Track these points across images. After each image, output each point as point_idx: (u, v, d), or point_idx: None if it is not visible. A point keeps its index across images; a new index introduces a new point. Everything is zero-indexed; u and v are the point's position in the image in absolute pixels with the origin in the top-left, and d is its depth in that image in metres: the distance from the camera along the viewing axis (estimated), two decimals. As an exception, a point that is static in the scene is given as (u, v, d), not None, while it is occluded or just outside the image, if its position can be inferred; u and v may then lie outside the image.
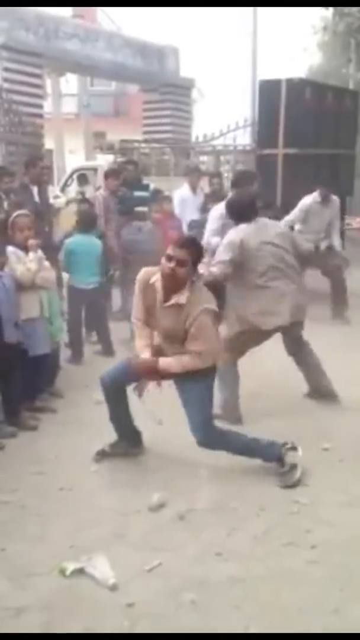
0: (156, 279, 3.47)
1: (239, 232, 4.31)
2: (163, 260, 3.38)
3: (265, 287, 4.26)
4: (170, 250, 3.37)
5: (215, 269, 4.17)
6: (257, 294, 4.24)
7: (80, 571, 2.76)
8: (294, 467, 3.56)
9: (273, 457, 3.59)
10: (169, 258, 3.35)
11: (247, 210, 4.41)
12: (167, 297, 3.44)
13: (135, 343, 3.69)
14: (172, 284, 3.39)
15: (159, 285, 3.45)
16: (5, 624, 2.48)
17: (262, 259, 4.24)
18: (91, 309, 5.95)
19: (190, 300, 3.39)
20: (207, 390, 3.56)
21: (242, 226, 4.33)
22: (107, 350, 5.93)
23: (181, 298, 3.39)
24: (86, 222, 5.96)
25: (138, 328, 3.67)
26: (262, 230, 4.33)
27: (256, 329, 4.30)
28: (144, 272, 3.58)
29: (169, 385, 3.63)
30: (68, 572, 2.75)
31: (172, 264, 3.33)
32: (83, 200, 7.33)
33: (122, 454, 3.82)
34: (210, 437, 3.55)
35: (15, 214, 4.52)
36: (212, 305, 3.45)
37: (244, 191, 4.97)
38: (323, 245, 7.39)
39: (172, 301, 3.41)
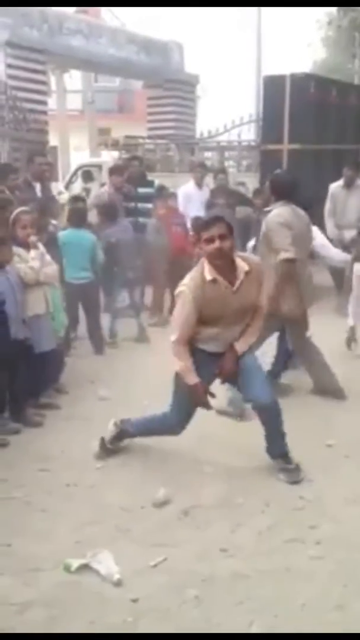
0: (212, 274, 3.37)
1: (283, 214, 4.35)
2: (204, 247, 3.34)
3: (303, 273, 4.39)
4: (208, 232, 3.31)
5: (289, 254, 4.23)
6: (289, 280, 4.30)
7: (85, 567, 2.76)
8: (298, 465, 3.56)
9: (282, 452, 3.59)
10: (209, 240, 3.30)
11: (289, 189, 4.48)
12: (233, 279, 3.40)
13: (178, 363, 3.50)
14: (225, 262, 3.35)
15: (219, 278, 3.37)
16: (10, 620, 2.49)
17: (297, 245, 4.30)
18: (83, 304, 5.94)
19: (249, 265, 3.43)
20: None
21: (284, 209, 4.37)
22: (98, 348, 5.93)
23: (243, 266, 3.41)
24: (76, 218, 5.95)
25: (180, 350, 3.46)
26: (297, 215, 4.42)
27: (280, 316, 4.32)
28: (187, 284, 3.42)
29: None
30: (73, 568, 2.76)
31: (216, 244, 3.29)
32: (77, 198, 7.33)
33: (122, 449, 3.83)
34: (274, 399, 3.57)
35: (17, 210, 4.51)
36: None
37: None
38: (348, 236, 7.12)
39: (241, 277, 3.39)
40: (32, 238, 4.45)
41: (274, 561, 2.83)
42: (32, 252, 4.40)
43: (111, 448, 3.83)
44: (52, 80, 15.44)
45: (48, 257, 4.58)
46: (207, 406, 3.56)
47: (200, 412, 3.68)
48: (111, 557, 2.79)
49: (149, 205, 7.34)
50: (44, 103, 11.67)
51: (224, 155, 11.05)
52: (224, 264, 3.36)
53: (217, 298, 3.38)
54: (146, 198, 7.46)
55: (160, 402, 4.18)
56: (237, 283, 3.39)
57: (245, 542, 2.98)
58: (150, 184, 8.09)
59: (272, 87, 8.83)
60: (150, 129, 14.63)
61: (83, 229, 5.98)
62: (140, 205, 7.43)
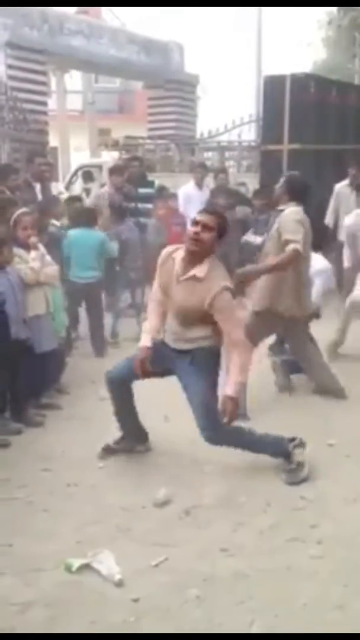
0: (178, 252, 3.44)
1: (299, 212, 4.37)
2: (189, 226, 3.37)
3: (304, 275, 4.43)
4: (198, 216, 3.37)
5: (297, 246, 4.17)
6: (298, 281, 4.34)
7: (86, 566, 2.77)
8: (301, 464, 3.54)
9: (280, 453, 3.59)
10: (196, 223, 3.33)
11: (304, 191, 4.52)
12: (185, 270, 3.39)
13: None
14: (196, 250, 3.32)
15: (178, 258, 3.41)
16: (11, 619, 2.50)
17: (307, 246, 4.35)
18: (87, 304, 5.94)
19: (208, 276, 3.34)
20: (212, 385, 3.52)
21: (299, 209, 4.39)
22: (98, 350, 5.90)
23: (200, 271, 3.35)
24: (85, 218, 5.94)
25: (150, 307, 3.64)
26: (306, 218, 4.45)
27: (277, 314, 4.33)
28: (169, 247, 3.56)
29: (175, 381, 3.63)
30: (74, 568, 2.76)
31: (197, 228, 3.30)
32: (74, 198, 7.34)
33: (127, 451, 3.83)
34: (218, 433, 3.49)
35: (18, 212, 4.51)
36: (230, 283, 3.42)
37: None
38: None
39: (190, 273, 3.36)
40: (33, 239, 4.45)
41: (275, 560, 2.84)
42: (33, 253, 4.41)
43: (116, 447, 3.82)
44: (53, 80, 15.45)
45: (48, 258, 4.59)
46: (139, 374, 3.50)
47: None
48: (112, 557, 2.79)
49: (149, 206, 7.35)
50: (44, 103, 11.68)
51: (224, 155, 11.05)
52: (194, 253, 3.35)
53: (169, 279, 3.45)
54: (146, 198, 7.47)
55: (161, 401, 4.20)
56: (184, 277, 3.38)
57: (246, 542, 2.98)
58: (150, 184, 8.10)
59: (272, 87, 8.84)
60: (151, 129, 14.64)
61: (92, 228, 5.96)
62: (140, 205, 7.43)
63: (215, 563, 2.82)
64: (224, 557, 2.87)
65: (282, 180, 4.61)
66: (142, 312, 6.65)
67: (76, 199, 7.09)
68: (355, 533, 3.05)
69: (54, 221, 5.68)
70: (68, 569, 2.76)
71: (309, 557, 2.86)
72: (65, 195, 8.14)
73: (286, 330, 4.67)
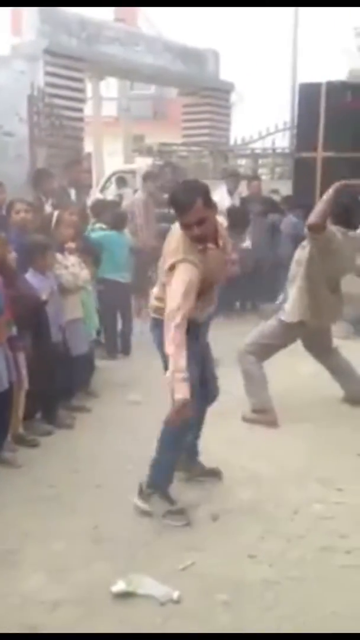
0: None
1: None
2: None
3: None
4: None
5: None
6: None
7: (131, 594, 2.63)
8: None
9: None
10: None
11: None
12: None
13: None
14: None
15: None
16: (41, 617, 2.52)
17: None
18: (119, 304, 6.01)
19: None
20: None
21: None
22: (125, 348, 6.03)
23: None
24: (117, 222, 6.07)
25: None
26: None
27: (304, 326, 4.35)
28: None
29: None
30: (115, 591, 2.63)
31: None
32: (114, 203, 7.46)
33: None
34: None
35: (65, 211, 4.63)
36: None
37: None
38: None
39: None
40: (70, 244, 4.53)
41: (304, 569, 2.82)
42: (72, 258, 4.49)
43: None
44: (89, 87, 15.62)
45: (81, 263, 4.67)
46: None
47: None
48: (152, 580, 2.68)
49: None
50: (80, 110, 11.80)
51: (258, 162, 11.05)
52: None
53: None
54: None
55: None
56: None
57: (274, 549, 2.97)
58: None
59: (308, 94, 8.83)
60: (185, 136, 14.70)
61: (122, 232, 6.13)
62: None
63: (243, 569, 2.82)
64: (253, 564, 2.86)
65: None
66: None
67: (115, 203, 7.25)
68: (386, 544, 3.01)
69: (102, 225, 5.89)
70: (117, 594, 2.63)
71: (339, 566, 2.84)
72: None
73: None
